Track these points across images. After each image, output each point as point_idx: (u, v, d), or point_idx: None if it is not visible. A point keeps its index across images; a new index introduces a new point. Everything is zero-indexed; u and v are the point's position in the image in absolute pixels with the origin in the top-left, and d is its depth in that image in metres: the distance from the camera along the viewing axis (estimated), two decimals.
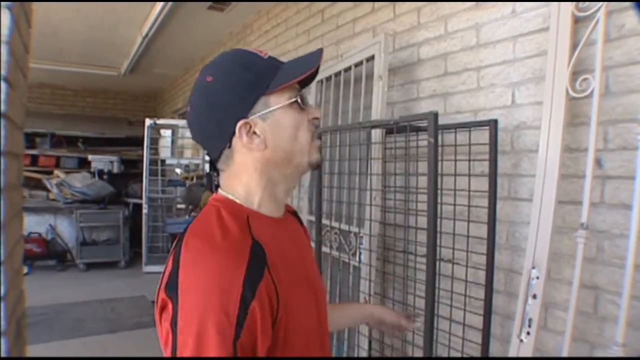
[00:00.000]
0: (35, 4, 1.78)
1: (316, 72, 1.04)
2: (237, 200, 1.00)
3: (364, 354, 2.70)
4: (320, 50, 1.02)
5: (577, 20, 1.98)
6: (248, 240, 0.91)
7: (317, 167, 1.08)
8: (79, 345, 4.17)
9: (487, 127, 2.26)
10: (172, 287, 0.86)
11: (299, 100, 1.00)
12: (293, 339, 0.93)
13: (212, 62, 1.02)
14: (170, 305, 0.84)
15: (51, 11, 5.03)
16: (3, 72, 1.37)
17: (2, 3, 1.36)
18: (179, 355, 0.81)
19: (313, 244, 3.38)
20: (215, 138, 1.00)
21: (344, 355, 2.99)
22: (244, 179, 1.01)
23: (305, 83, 1.05)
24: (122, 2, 4.93)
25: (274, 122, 0.98)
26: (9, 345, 1.41)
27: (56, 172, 7.89)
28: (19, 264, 1.63)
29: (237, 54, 1.02)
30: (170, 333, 0.83)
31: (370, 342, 2.69)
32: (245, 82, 0.97)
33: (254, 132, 0.97)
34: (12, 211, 1.47)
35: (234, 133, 0.97)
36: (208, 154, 1.05)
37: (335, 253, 3.03)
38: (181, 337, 0.81)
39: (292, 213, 1.20)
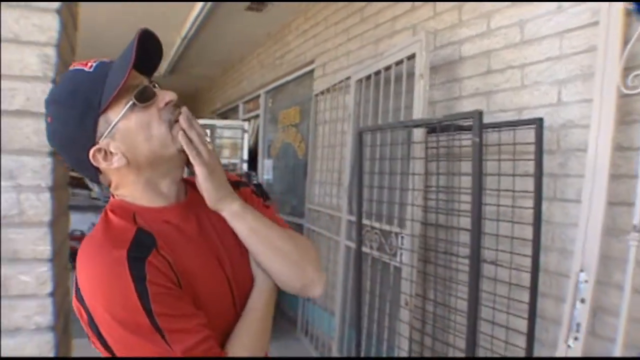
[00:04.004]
0: (79, 5, 1.82)
1: (151, 56, 1.00)
2: (126, 199, 1.01)
3: (403, 354, 2.67)
4: (139, 36, 0.93)
5: (629, 14, 1.91)
6: (132, 228, 0.93)
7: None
8: None
9: (533, 126, 2.20)
10: (78, 293, 0.89)
11: (135, 102, 0.93)
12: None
13: (47, 97, 1.00)
14: (82, 310, 0.88)
15: (94, 13, 5.15)
16: (52, 74, 1.40)
17: (51, 7, 1.39)
18: (118, 353, 0.87)
19: (353, 244, 3.37)
20: (84, 170, 0.99)
21: (384, 355, 2.96)
22: (125, 189, 1.01)
23: (144, 69, 0.99)
24: (163, 3, 5.01)
25: (122, 135, 0.94)
26: (57, 339, 1.45)
27: None
28: (66, 260, 1.68)
29: (64, 81, 0.98)
30: (95, 336, 0.88)
31: (410, 343, 2.66)
32: (77, 111, 0.92)
33: (110, 152, 0.95)
34: (59, 210, 1.50)
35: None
36: (91, 181, 1.06)
37: (375, 253, 3.01)
38: (108, 338, 0.86)
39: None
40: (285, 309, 5.04)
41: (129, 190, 1.00)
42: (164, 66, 7.86)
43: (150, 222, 0.97)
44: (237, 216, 1.03)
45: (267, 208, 1.18)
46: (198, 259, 0.98)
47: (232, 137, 7.35)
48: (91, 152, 0.94)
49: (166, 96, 0.97)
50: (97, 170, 0.98)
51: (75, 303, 0.91)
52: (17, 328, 1.40)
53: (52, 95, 0.99)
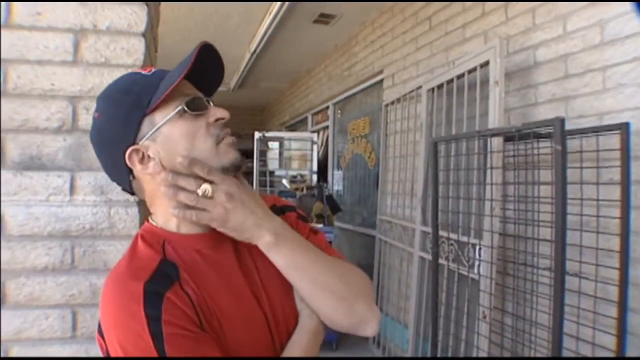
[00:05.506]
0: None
1: (211, 73, 0.96)
2: (157, 225, 0.94)
3: (483, 355, 2.60)
4: (201, 46, 0.88)
5: None
6: (156, 258, 0.88)
7: (238, 169, 0.93)
8: None
9: (617, 132, 2.09)
10: (99, 326, 0.87)
11: (185, 108, 0.88)
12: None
13: (100, 94, 0.96)
14: (102, 343, 0.86)
15: (168, 31, 5.35)
16: None
17: (138, 30, 1.47)
18: None
19: (427, 255, 3.32)
20: (118, 174, 0.94)
21: (461, 355, 2.88)
22: (157, 205, 0.94)
23: (201, 83, 0.95)
24: (234, 19, 5.16)
25: (163, 139, 0.88)
26: None
27: None
28: None
29: (118, 80, 0.96)
30: None
31: (489, 344, 2.59)
32: (125, 107, 0.88)
33: (149, 156, 0.89)
34: (144, 222, 1.57)
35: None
36: (124, 190, 0.99)
37: (451, 265, 2.95)
38: None
39: None
40: None
41: (162, 206, 0.93)
42: (233, 81, 8.09)
43: (180, 251, 0.90)
44: (271, 248, 0.93)
45: (316, 234, 1.08)
46: (230, 294, 0.90)
47: (301, 148, 7.43)
48: (128, 151, 0.88)
49: (217, 112, 0.92)
50: (131, 174, 0.92)
51: (97, 336, 0.89)
52: None
53: (104, 92, 0.96)
